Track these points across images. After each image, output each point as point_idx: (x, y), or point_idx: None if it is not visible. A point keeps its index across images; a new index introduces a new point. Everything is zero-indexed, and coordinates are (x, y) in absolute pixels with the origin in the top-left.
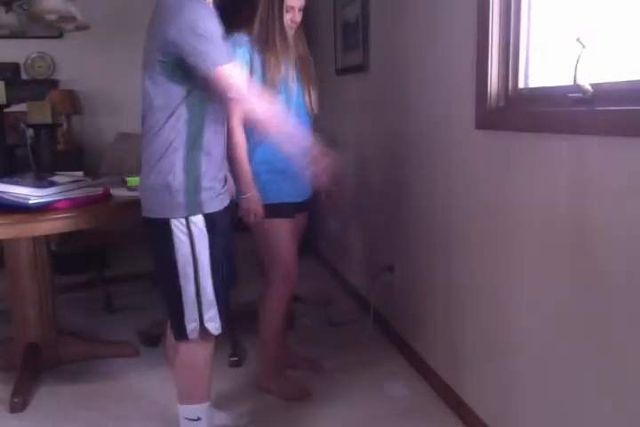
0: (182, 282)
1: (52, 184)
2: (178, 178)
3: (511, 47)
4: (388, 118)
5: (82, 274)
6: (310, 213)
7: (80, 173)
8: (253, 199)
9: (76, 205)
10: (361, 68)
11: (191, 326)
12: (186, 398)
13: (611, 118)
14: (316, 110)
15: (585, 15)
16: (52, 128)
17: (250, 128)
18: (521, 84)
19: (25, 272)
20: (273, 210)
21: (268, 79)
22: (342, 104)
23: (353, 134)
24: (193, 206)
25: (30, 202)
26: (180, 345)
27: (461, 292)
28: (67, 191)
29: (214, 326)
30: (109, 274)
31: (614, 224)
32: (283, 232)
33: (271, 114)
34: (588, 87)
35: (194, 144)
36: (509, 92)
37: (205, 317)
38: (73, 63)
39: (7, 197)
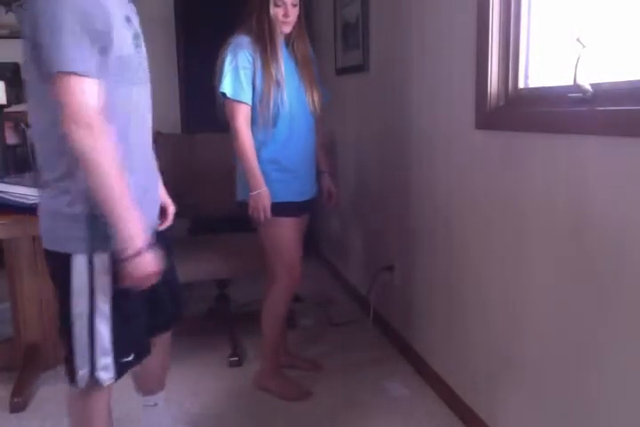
0: (74, 322)
1: None
2: (74, 204)
3: (511, 47)
4: (387, 118)
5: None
6: (312, 213)
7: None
8: (263, 196)
9: None
10: (361, 68)
11: (81, 372)
12: None
13: (611, 118)
14: (318, 110)
15: (585, 15)
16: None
17: (255, 127)
18: (521, 84)
19: (25, 272)
20: (279, 208)
21: (264, 79)
22: (342, 104)
23: (353, 134)
24: (97, 241)
25: (30, 202)
26: (71, 391)
27: (461, 291)
28: None
29: (106, 375)
30: None
31: (614, 224)
32: (288, 231)
33: (105, 156)
34: (588, 87)
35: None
36: (509, 92)
37: (97, 365)
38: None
39: (7, 196)
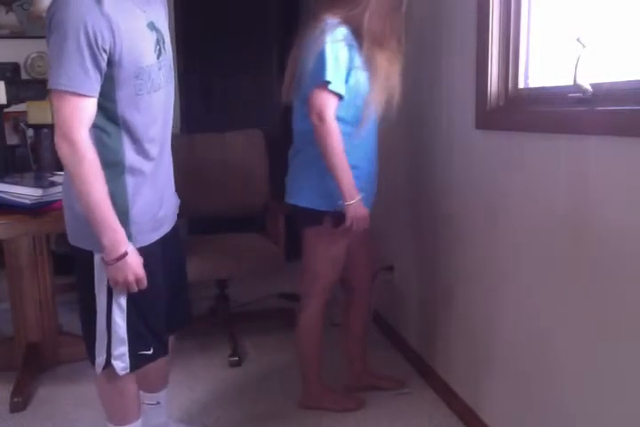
0: (95, 312)
1: (52, 184)
2: None
3: (511, 47)
4: (387, 118)
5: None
6: None
7: None
8: (359, 205)
9: None
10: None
11: (99, 359)
12: (107, 418)
13: (611, 118)
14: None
15: (585, 15)
16: (52, 128)
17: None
18: (521, 84)
19: (25, 272)
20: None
21: (378, 81)
22: None
23: None
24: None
25: (30, 202)
26: (96, 376)
27: (461, 291)
28: None
29: (121, 365)
30: None
31: (614, 224)
32: (346, 245)
33: (85, 170)
34: (588, 87)
35: (114, 162)
36: (509, 92)
37: (114, 353)
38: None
39: (7, 196)
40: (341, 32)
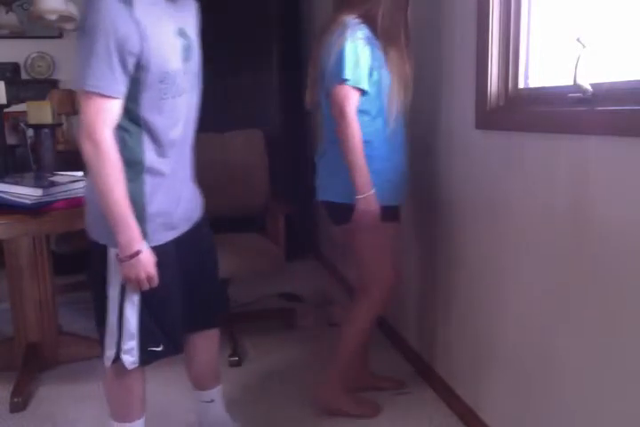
0: (108, 306)
1: (52, 184)
2: None
3: (511, 47)
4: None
5: (82, 274)
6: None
7: (80, 173)
8: (372, 199)
9: (75, 205)
10: None
11: (108, 352)
12: (111, 414)
13: (611, 118)
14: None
15: (585, 15)
16: (52, 128)
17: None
18: (521, 84)
19: (25, 272)
20: (387, 213)
21: (395, 77)
22: None
23: None
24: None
25: (30, 202)
26: (105, 371)
27: (461, 290)
28: (67, 191)
29: (130, 359)
30: None
31: (614, 224)
32: (389, 239)
33: (107, 169)
34: (588, 87)
35: (134, 162)
36: (509, 92)
37: (123, 347)
38: (73, 63)
39: (7, 196)
40: (361, 31)
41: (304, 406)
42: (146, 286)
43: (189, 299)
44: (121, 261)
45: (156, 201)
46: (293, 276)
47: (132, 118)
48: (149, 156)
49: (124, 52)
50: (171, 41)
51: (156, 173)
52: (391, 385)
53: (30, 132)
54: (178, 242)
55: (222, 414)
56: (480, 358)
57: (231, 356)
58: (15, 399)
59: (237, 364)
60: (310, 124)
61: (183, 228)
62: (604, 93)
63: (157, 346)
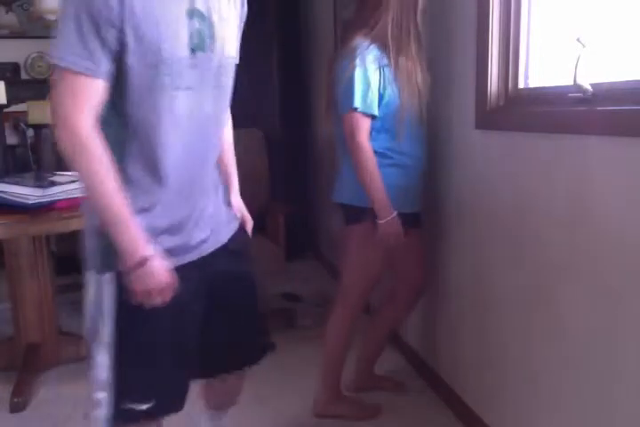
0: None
1: (52, 184)
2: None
3: (511, 47)
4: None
5: (82, 274)
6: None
7: None
8: (393, 223)
9: (75, 205)
10: None
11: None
12: None
13: (611, 118)
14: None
15: (585, 15)
16: (52, 128)
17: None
18: (521, 84)
19: (25, 272)
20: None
21: (405, 85)
22: None
23: None
24: (105, 257)
25: (30, 202)
26: None
27: (461, 290)
28: (67, 191)
29: (100, 413)
30: None
31: (615, 224)
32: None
33: (92, 162)
34: (588, 87)
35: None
36: (509, 92)
37: (94, 398)
38: None
39: (7, 196)
40: (373, 54)
41: (304, 406)
42: (156, 301)
43: (216, 335)
44: (128, 271)
45: (145, 222)
46: (293, 276)
47: (116, 115)
48: (132, 168)
49: (99, 20)
50: (174, 19)
51: (143, 191)
52: (391, 386)
53: (30, 132)
54: (200, 265)
55: None
56: (480, 358)
57: None
58: (15, 400)
59: None
60: (310, 124)
61: (208, 247)
62: (604, 93)
63: (142, 403)
